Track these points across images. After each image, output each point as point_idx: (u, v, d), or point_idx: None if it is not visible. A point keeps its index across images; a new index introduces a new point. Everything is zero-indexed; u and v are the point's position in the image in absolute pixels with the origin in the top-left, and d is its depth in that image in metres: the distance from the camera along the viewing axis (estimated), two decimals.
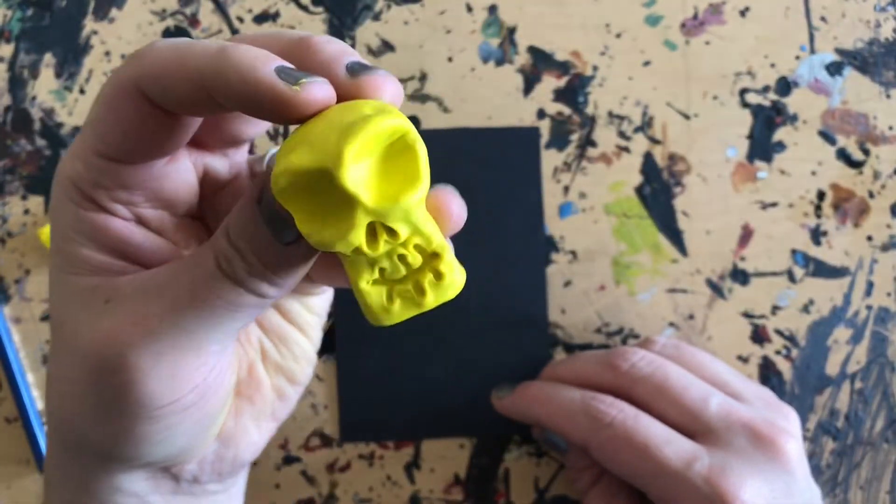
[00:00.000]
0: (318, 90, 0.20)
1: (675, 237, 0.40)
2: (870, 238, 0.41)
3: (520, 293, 0.39)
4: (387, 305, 0.21)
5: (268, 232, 0.21)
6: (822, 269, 0.40)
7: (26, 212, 0.39)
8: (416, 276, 0.21)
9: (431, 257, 0.21)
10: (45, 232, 0.37)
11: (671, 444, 0.31)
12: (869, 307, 0.40)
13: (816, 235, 0.40)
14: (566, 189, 0.40)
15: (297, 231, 0.20)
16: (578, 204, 0.40)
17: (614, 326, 0.40)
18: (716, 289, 0.40)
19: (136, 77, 0.21)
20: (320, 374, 0.40)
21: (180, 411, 0.23)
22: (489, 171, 0.39)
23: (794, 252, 0.40)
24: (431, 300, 0.21)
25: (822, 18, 0.41)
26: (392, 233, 0.20)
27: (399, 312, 0.21)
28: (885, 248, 0.41)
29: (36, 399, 0.39)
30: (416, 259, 0.21)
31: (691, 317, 0.40)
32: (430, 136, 0.39)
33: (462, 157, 0.39)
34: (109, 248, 0.24)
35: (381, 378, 0.39)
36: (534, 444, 0.40)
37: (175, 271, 0.23)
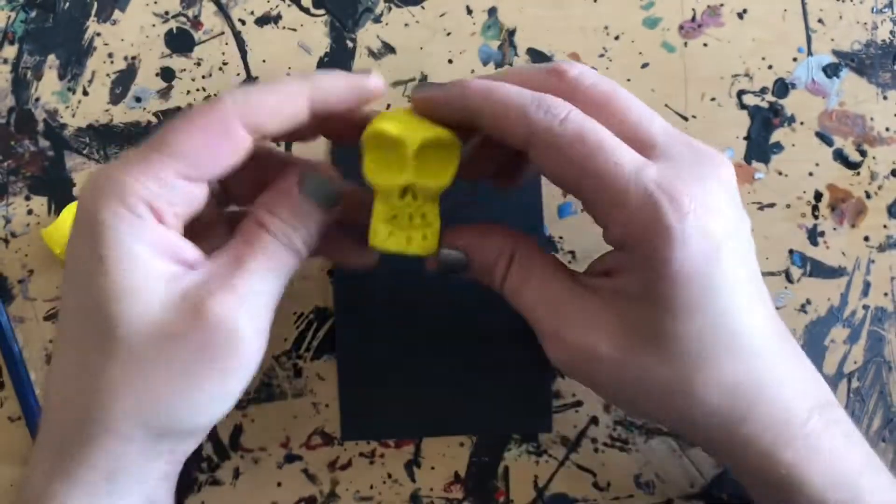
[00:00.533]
0: None
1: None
2: (867, 238, 0.41)
3: None
4: (385, 238, 0.31)
5: (313, 205, 0.30)
6: (820, 270, 0.41)
7: (30, 212, 0.40)
8: (411, 231, 0.31)
9: (426, 225, 0.31)
10: (49, 232, 0.38)
11: (624, 148, 0.28)
12: (866, 307, 0.41)
13: (814, 236, 0.41)
14: None
15: (332, 197, 0.31)
16: (578, 204, 0.40)
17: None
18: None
19: (244, 113, 0.28)
20: (321, 373, 0.40)
21: (256, 365, 0.29)
22: None
23: (791, 252, 0.41)
24: (413, 249, 0.31)
25: (820, 20, 0.41)
26: (415, 198, 0.30)
27: (390, 243, 0.31)
28: (881, 248, 0.41)
29: (39, 398, 0.39)
30: (417, 221, 0.31)
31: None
32: None
33: None
34: (171, 255, 0.28)
35: (381, 377, 0.39)
36: (534, 443, 0.40)
37: (239, 252, 0.29)
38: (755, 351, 0.29)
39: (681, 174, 0.28)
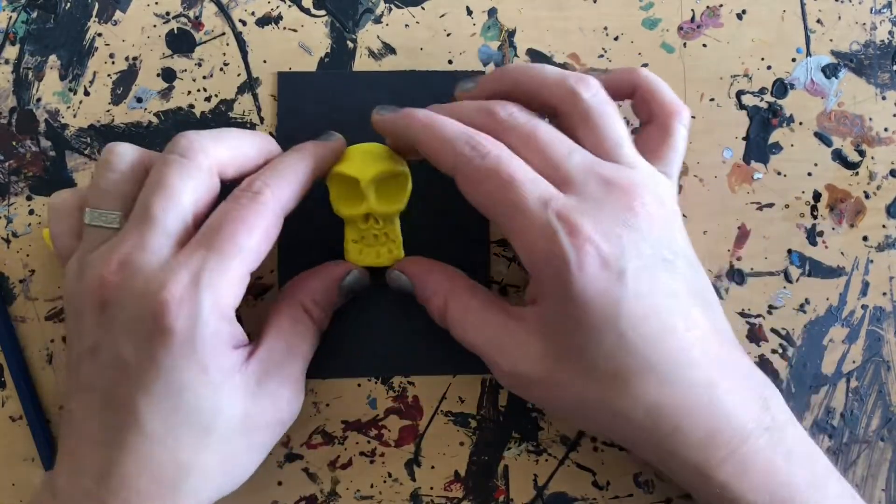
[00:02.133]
0: None
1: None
2: (865, 238, 0.41)
3: (465, 236, 0.40)
4: (357, 255, 0.38)
5: (343, 295, 0.38)
6: (818, 269, 0.41)
7: (31, 212, 0.40)
8: (379, 247, 0.38)
9: (390, 241, 0.38)
10: (50, 232, 0.38)
11: (533, 184, 0.32)
12: (864, 307, 0.41)
13: (812, 236, 0.41)
14: None
15: (362, 291, 0.38)
16: None
17: None
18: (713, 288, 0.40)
19: (281, 204, 0.33)
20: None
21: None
22: None
23: (790, 252, 0.41)
24: (382, 262, 0.38)
25: (819, 21, 0.41)
26: (377, 221, 0.37)
27: (362, 260, 0.38)
28: (880, 248, 0.41)
29: (40, 398, 0.40)
30: (381, 238, 0.38)
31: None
32: (380, 78, 0.41)
33: (412, 99, 0.40)
34: (236, 342, 0.33)
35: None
36: (533, 442, 0.40)
37: (290, 341, 0.35)
38: (672, 378, 0.31)
39: (584, 206, 0.31)
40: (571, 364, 0.32)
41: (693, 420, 0.31)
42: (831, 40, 0.41)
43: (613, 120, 0.34)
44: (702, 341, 0.32)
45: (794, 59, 0.41)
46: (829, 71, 0.41)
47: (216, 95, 0.40)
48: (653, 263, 0.31)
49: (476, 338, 0.35)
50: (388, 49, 0.41)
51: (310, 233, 0.40)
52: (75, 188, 0.39)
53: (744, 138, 0.41)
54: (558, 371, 0.32)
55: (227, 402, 0.32)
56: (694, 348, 0.31)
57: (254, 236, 0.32)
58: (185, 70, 0.40)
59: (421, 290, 0.37)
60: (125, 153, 0.34)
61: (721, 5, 0.41)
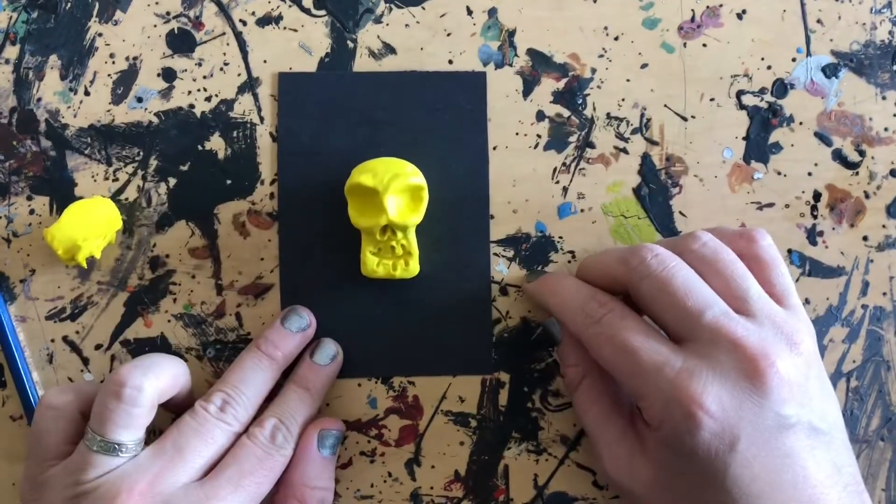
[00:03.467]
0: None
1: (673, 237, 0.40)
2: (865, 238, 0.41)
3: (465, 236, 0.40)
4: (374, 268, 0.38)
5: (319, 454, 0.38)
6: (818, 269, 0.41)
7: (31, 212, 0.40)
8: (395, 260, 0.38)
9: (407, 254, 0.38)
10: (50, 232, 0.38)
11: (648, 347, 0.33)
12: (864, 306, 0.41)
13: (812, 235, 0.41)
14: (565, 190, 0.41)
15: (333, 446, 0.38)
16: (577, 204, 0.41)
17: None
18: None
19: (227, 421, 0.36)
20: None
21: None
22: (437, 114, 0.40)
23: (790, 252, 0.41)
24: (398, 274, 0.38)
25: (819, 21, 0.41)
26: (394, 233, 0.38)
27: (379, 273, 0.38)
28: (880, 247, 0.41)
29: (40, 398, 0.40)
30: (399, 251, 0.38)
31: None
32: (380, 79, 0.40)
33: (412, 100, 0.40)
34: None
35: (325, 317, 0.40)
36: (533, 442, 0.40)
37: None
38: None
39: (704, 373, 0.32)
40: (676, 500, 0.33)
41: None
42: (831, 40, 0.41)
43: (683, 280, 0.34)
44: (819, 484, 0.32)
45: (794, 59, 0.41)
46: (829, 71, 0.41)
47: (216, 95, 0.40)
48: (772, 428, 0.31)
49: (594, 431, 0.36)
50: (389, 49, 0.41)
51: (320, 246, 0.40)
52: (70, 388, 0.37)
53: (744, 138, 0.41)
54: (663, 500, 0.33)
55: None
56: None
57: (199, 448, 0.35)
58: (186, 70, 0.40)
59: (564, 354, 0.38)
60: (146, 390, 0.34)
61: (721, 5, 0.41)
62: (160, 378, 0.35)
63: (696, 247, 0.35)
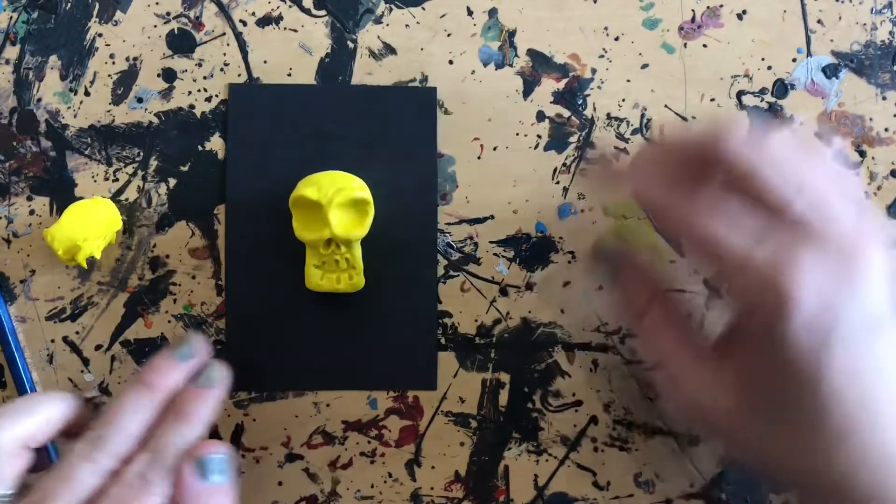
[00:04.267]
0: None
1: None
2: None
3: (413, 250, 0.40)
4: (318, 281, 0.38)
5: (201, 484, 0.33)
6: None
7: (32, 212, 0.40)
8: (340, 274, 0.38)
9: (351, 268, 0.38)
10: (50, 232, 0.38)
11: (740, 226, 0.31)
12: None
13: None
14: (565, 190, 0.41)
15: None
16: (577, 205, 0.41)
17: (613, 326, 0.40)
18: (713, 288, 0.40)
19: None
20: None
21: None
22: (387, 128, 0.40)
23: None
24: (342, 287, 0.38)
25: (819, 21, 0.41)
26: (339, 247, 0.38)
27: (323, 286, 0.38)
28: None
29: None
30: (343, 265, 0.38)
31: (689, 316, 0.40)
32: (331, 92, 0.40)
33: (362, 113, 0.40)
34: None
35: (270, 332, 0.40)
36: (534, 442, 0.40)
37: None
38: (869, 448, 0.30)
39: (804, 247, 0.29)
40: (762, 423, 0.31)
41: (887, 493, 0.30)
42: (832, 40, 0.41)
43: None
44: None
45: (794, 60, 0.41)
46: (830, 71, 0.41)
47: (216, 95, 0.40)
48: (863, 328, 0.30)
49: (670, 356, 0.34)
50: (389, 49, 0.41)
51: (266, 258, 0.40)
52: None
53: None
54: (748, 425, 0.32)
55: None
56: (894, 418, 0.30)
57: None
58: (186, 70, 0.40)
59: (628, 279, 0.36)
60: None
61: (721, 5, 0.41)
62: (23, 424, 0.33)
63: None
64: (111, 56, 0.40)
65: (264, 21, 0.41)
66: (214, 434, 0.40)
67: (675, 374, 0.33)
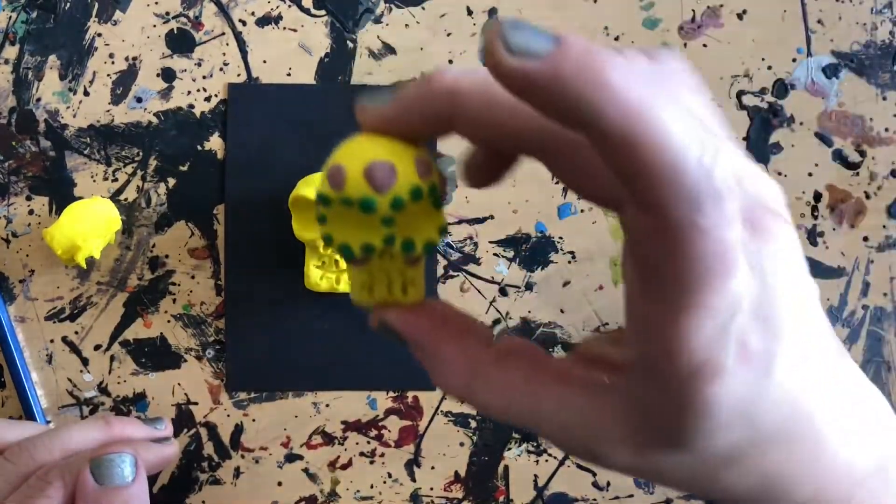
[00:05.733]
0: None
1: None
2: (866, 239, 0.41)
3: None
4: (318, 281, 0.38)
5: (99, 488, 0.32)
6: (819, 270, 0.41)
7: (31, 212, 0.40)
8: (339, 274, 0.38)
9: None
10: (50, 232, 0.38)
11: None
12: (865, 307, 0.41)
13: (813, 236, 0.41)
14: (565, 190, 0.41)
15: None
16: (577, 205, 0.41)
17: (613, 326, 0.40)
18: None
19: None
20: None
21: None
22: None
23: None
24: (341, 287, 0.38)
25: (819, 21, 0.41)
26: None
27: (322, 286, 0.38)
28: (880, 248, 0.41)
29: (40, 398, 0.40)
30: (342, 265, 0.38)
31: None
32: (330, 92, 0.40)
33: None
34: None
35: (267, 331, 0.40)
36: (534, 442, 0.40)
37: None
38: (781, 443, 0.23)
39: None
40: (669, 448, 0.23)
41: (800, 483, 0.24)
42: (832, 40, 0.41)
43: None
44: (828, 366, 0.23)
45: (794, 60, 0.41)
46: (830, 71, 0.41)
47: (216, 95, 0.40)
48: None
49: (524, 401, 0.23)
50: (388, 49, 0.41)
51: (266, 258, 0.40)
52: None
53: (744, 138, 0.41)
54: (648, 457, 0.23)
55: None
56: (820, 380, 0.22)
57: None
58: (185, 70, 0.40)
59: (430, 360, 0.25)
60: None
61: (721, 5, 0.41)
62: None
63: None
64: (110, 56, 0.40)
65: (264, 21, 0.41)
66: (214, 435, 0.40)
67: (537, 408, 0.23)
